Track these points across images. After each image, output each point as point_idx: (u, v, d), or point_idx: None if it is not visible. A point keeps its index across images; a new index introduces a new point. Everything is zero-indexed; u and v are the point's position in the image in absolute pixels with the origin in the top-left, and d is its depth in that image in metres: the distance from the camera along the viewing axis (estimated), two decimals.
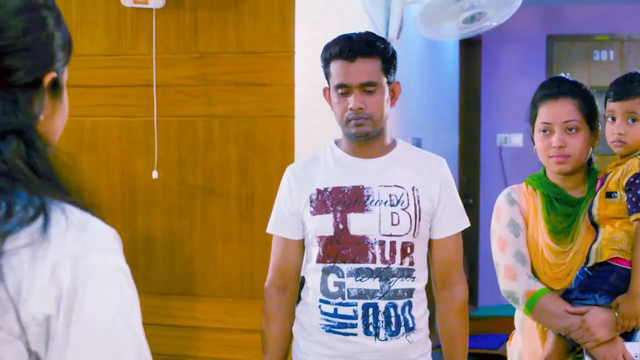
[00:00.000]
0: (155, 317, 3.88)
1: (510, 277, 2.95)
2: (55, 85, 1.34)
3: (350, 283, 2.85)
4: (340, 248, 2.88)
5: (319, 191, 2.94)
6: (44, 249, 1.19)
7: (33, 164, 1.24)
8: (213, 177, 3.89)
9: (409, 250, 2.89)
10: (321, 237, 2.91)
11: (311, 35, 3.92)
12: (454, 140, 8.16)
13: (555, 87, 2.98)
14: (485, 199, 8.29)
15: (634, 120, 2.84)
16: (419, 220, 2.90)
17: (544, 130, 2.95)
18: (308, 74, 3.84)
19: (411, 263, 2.89)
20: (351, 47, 2.87)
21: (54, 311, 1.18)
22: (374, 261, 2.85)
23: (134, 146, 3.98)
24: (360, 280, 2.85)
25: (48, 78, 1.32)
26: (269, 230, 3.07)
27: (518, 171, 9.11)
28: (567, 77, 3.05)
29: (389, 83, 2.92)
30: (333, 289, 2.89)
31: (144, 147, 3.95)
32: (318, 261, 2.92)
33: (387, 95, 2.91)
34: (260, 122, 3.81)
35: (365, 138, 2.91)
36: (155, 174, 3.88)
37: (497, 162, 8.55)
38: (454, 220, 2.99)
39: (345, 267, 2.86)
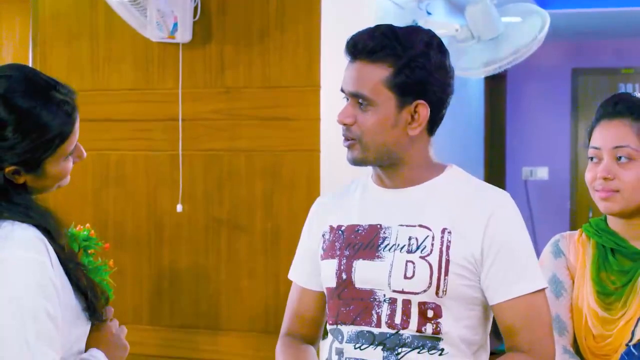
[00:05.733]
0: (181, 351, 3.86)
1: None
2: (30, 168, 1.94)
3: (349, 351, 2.16)
4: (341, 304, 2.19)
5: (331, 229, 2.26)
6: None
7: (7, 203, 1.92)
8: (238, 211, 3.89)
9: (430, 314, 2.11)
10: (328, 289, 2.24)
11: (337, 69, 3.90)
12: (479, 174, 8.14)
13: (611, 106, 2.30)
14: None
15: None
16: (446, 274, 2.10)
17: (591, 158, 2.30)
18: (334, 109, 3.81)
19: (436, 332, 2.11)
20: (354, 42, 2.16)
21: None
22: (377, 324, 2.13)
23: (159, 180, 4.00)
24: (359, 348, 2.15)
25: (7, 169, 1.93)
26: (289, 275, 2.41)
27: (544, 205, 9.08)
28: (634, 94, 2.36)
29: (404, 102, 2.13)
30: (334, 357, 2.20)
31: (170, 181, 3.97)
32: (328, 321, 2.26)
33: (396, 117, 2.13)
34: (286, 156, 3.82)
35: (365, 166, 2.21)
36: (179, 207, 3.90)
37: (522, 195, 8.50)
38: (514, 279, 2.11)
39: (346, 330, 2.17)
